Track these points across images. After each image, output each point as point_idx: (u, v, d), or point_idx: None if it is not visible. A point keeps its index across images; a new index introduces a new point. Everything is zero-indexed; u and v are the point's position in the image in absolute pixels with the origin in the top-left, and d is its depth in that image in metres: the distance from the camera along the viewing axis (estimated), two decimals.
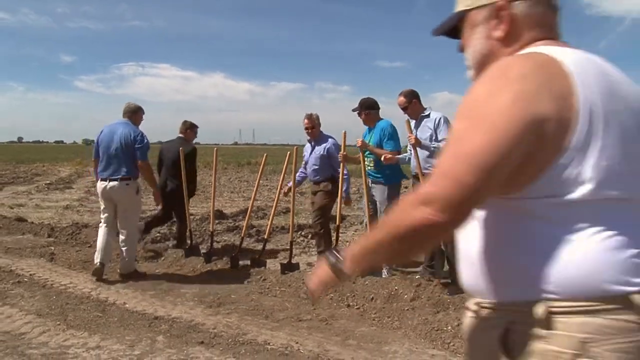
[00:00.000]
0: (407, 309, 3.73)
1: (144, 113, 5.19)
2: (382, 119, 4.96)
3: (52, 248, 5.91)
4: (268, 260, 5.33)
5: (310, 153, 5.29)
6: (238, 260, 5.18)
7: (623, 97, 0.93)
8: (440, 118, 4.49)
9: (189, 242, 5.75)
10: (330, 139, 5.26)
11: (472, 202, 0.86)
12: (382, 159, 4.58)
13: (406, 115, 4.69)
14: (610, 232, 0.88)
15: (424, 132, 4.50)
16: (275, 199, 5.43)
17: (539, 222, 0.91)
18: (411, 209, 0.87)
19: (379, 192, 4.82)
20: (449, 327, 3.48)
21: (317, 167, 5.18)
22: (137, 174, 4.87)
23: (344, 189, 4.87)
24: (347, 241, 6.87)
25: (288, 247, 5.21)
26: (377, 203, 4.84)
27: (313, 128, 5.23)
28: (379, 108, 5.03)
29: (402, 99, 4.65)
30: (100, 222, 4.90)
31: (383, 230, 0.94)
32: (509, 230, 0.94)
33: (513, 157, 0.85)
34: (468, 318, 1.09)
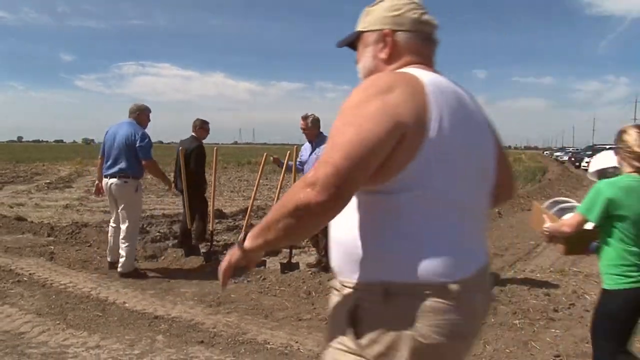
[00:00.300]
0: None
1: (150, 112, 5.19)
2: None
3: (52, 247, 5.91)
4: (268, 260, 5.34)
5: (310, 154, 5.27)
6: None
7: (468, 115, 1.17)
8: None
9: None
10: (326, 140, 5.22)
11: (348, 184, 1.00)
12: None
13: None
14: (441, 231, 1.10)
15: None
16: (275, 198, 5.42)
17: (389, 215, 1.10)
18: (298, 190, 1.01)
19: None
20: None
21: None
22: (139, 172, 4.90)
23: None
24: None
25: (287, 247, 5.21)
26: None
27: (306, 129, 5.21)
28: None
29: None
30: (110, 220, 5.11)
31: (276, 210, 1.06)
32: (365, 220, 1.13)
33: (378, 152, 1.02)
34: (332, 295, 1.26)
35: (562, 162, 39.09)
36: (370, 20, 1.27)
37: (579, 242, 2.50)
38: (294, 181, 5.13)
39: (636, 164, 2.21)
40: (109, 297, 4.18)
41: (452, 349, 1.11)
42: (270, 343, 3.28)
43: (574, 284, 4.57)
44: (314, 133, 5.19)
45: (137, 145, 4.79)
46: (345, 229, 1.16)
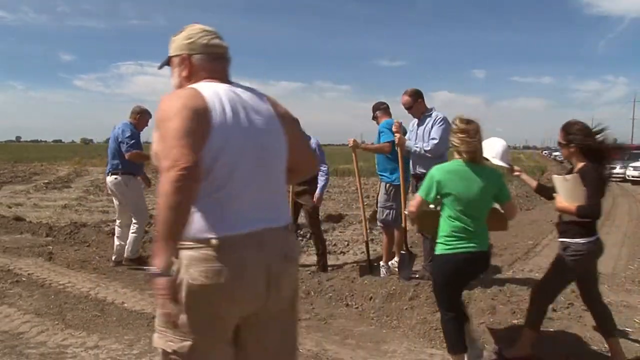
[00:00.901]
0: (406, 309, 3.73)
1: (150, 117, 5.24)
2: (389, 118, 5.02)
3: (51, 247, 5.91)
4: None
5: None
6: None
7: (248, 112, 1.54)
8: (440, 117, 4.48)
9: None
10: (312, 139, 5.24)
11: (194, 154, 1.34)
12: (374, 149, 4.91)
13: (410, 114, 4.69)
14: (212, 201, 1.44)
15: (426, 131, 4.50)
16: None
17: (201, 191, 1.40)
18: (166, 178, 1.31)
19: (381, 190, 4.93)
20: None
21: None
22: (130, 168, 5.07)
23: (320, 185, 5.07)
24: (346, 240, 6.87)
25: None
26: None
27: None
28: (383, 108, 5.12)
29: (407, 98, 4.62)
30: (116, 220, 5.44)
31: (160, 203, 1.32)
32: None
33: (197, 129, 1.39)
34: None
35: (561, 162, 39.12)
36: (174, 47, 1.65)
37: (428, 221, 2.89)
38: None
39: (461, 150, 2.65)
40: (108, 297, 4.17)
41: (219, 289, 1.43)
42: None
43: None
44: None
45: (119, 140, 5.02)
46: None
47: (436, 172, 2.67)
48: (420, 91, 4.68)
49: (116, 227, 5.32)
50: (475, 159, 2.65)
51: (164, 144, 1.39)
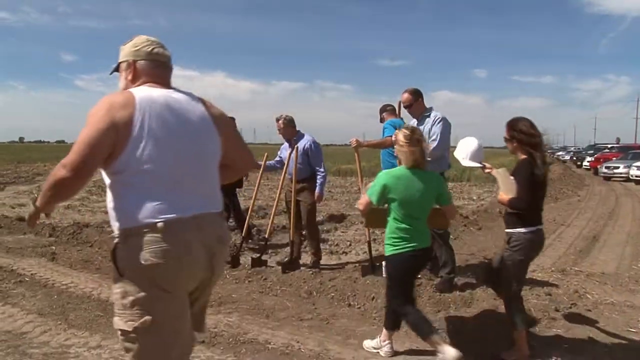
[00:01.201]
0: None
1: None
2: (394, 118, 5.15)
3: (54, 248, 5.92)
4: (268, 260, 5.34)
5: (291, 152, 5.26)
6: (239, 259, 5.18)
7: (179, 114, 1.76)
8: (439, 117, 4.47)
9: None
10: (308, 137, 5.25)
11: (86, 166, 1.58)
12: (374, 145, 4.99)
13: (409, 113, 4.68)
14: (151, 192, 1.65)
15: (425, 131, 4.49)
16: (276, 198, 5.43)
17: (120, 185, 1.68)
18: (57, 170, 1.59)
19: None
20: (450, 326, 3.48)
21: (301, 166, 5.16)
22: None
23: (319, 182, 5.14)
24: (348, 240, 6.87)
25: (289, 246, 5.21)
26: None
27: (281, 130, 5.27)
28: (389, 110, 5.26)
29: (408, 96, 4.63)
30: None
31: (47, 181, 1.63)
32: (112, 190, 1.71)
33: (103, 143, 1.60)
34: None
35: (564, 162, 39.02)
36: (122, 54, 1.88)
37: (375, 218, 3.15)
38: (294, 180, 5.13)
39: (404, 158, 2.90)
40: (110, 297, 4.18)
41: (170, 267, 1.65)
42: (272, 343, 3.29)
43: (576, 284, 4.57)
44: (289, 132, 5.25)
45: None
46: (108, 197, 1.74)
47: (384, 176, 2.93)
48: (420, 91, 4.68)
49: None
50: (418, 165, 2.89)
51: (78, 137, 1.62)
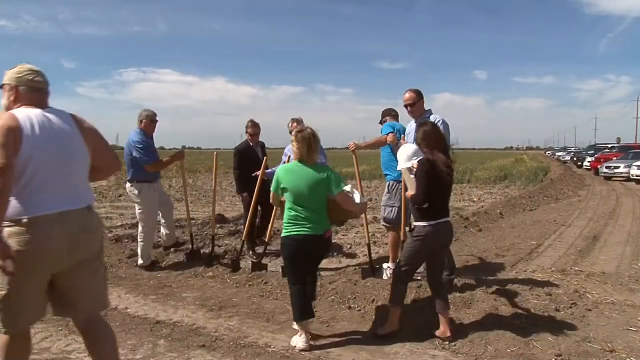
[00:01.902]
0: (409, 310, 3.73)
1: (153, 119, 5.30)
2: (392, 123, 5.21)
3: None
4: (269, 264, 5.34)
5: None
6: (239, 263, 5.19)
7: (53, 129, 2.20)
8: (440, 120, 4.49)
9: (190, 246, 5.75)
10: None
11: (6, 161, 1.98)
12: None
13: (410, 112, 4.69)
14: (23, 191, 2.08)
15: None
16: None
17: (17, 186, 2.10)
18: None
19: (385, 189, 5.02)
20: (450, 327, 3.47)
21: None
22: (142, 176, 5.19)
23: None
24: (348, 243, 6.87)
25: None
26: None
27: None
28: (393, 115, 5.30)
29: (411, 94, 4.60)
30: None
31: None
32: None
33: (8, 147, 2.00)
34: None
35: (565, 162, 39.00)
36: (6, 78, 2.28)
37: (282, 208, 3.41)
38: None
39: (295, 153, 3.30)
40: (111, 302, 4.18)
41: (35, 255, 2.08)
42: (272, 347, 3.29)
43: (576, 284, 4.56)
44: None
45: (134, 154, 5.14)
46: None
47: (279, 170, 3.38)
48: (422, 92, 4.70)
49: (139, 233, 5.38)
50: (306, 160, 3.26)
51: None
